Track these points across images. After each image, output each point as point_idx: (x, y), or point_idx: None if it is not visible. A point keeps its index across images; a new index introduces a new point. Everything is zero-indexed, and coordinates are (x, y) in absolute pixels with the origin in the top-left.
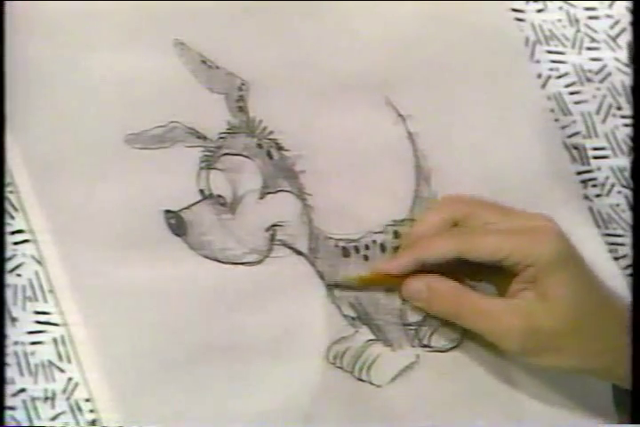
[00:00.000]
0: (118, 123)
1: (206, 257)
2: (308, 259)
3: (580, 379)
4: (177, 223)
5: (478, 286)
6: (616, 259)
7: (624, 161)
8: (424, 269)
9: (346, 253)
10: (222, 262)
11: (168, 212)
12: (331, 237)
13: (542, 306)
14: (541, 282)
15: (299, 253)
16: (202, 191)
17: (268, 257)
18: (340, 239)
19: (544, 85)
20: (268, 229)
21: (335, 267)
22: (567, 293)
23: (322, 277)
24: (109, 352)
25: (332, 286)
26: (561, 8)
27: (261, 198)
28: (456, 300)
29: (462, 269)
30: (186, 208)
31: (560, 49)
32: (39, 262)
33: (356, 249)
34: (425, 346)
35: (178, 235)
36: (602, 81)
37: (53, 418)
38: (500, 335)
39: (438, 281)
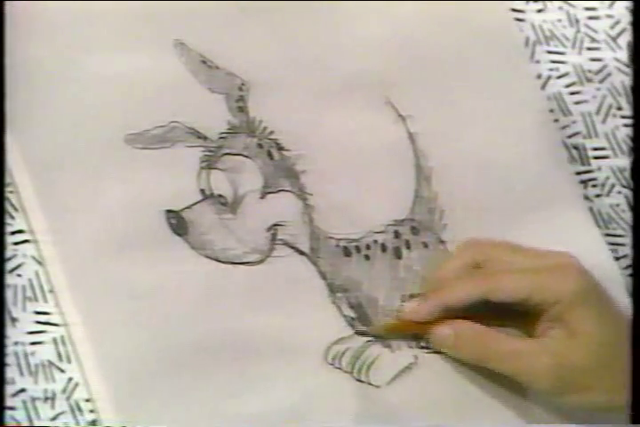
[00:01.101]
0: (118, 123)
1: (207, 257)
2: (309, 259)
3: None
4: (178, 223)
5: (505, 331)
6: (616, 259)
7: (624, 161)
8: (450, 314)
9: (347, 252)
10: (223, 262)
11: (169, 211)
12: (331, 237)
13: (571, 343)
14: (567, 319)
15: (300, 252)
16: (203, 191)
17: (269, 257)
18: (341, 239)
19: (544, 86)
20: (269, 229)
21: (337, 267)
22: (594, 328)
23: (324, 277)
24: (109, 352)
25: (333, 288)
26: (561, 8)
27: (262, 198)
28: (483, 344)
29: (488, 314)
30: (187, 208)
31: (560, 49)
32: (39, 262)
33: (357, 249)
34: (423, 347)
35: (179, 234)
36: (602, 81)
37: (53, 418)
38: (530, 376)
39: (465, 326)
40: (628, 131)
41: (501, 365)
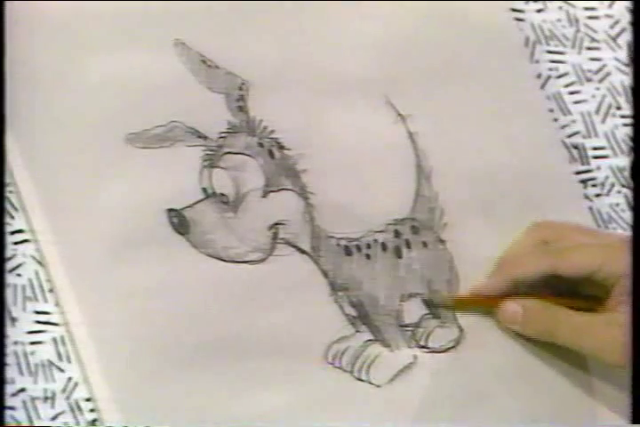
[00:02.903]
0: (118, 123)
1: (209, 256)
2: (310, 257)
3: (579, 381)
4: (179, 222)
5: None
6: None
7: (624, 161)
8: (518, 291)
9: (348, 251)
10: (225, 261)
11: (171, 210)
12: (332, 236)
13: None
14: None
15: (301, 251)
16: (204, 190)
17: (271, 255)
18: (342, 238)
19: (544, 85)
20: (270, 228)
21: (338, 265)
22: None
23: (325, 275)
24: (110, 352)
25: (335, 286)
26: (561, 8)
27: (264, 197)
28: (552, 318)
29: (554, 294)
30: (188, 207)
31: (560, 49)
32: (39, 262)
33: (358, 248)
34: (422, 347)
35: (180, 233)
36: (601, 81)
37: (53, 418)
38: (602, 349)
39: (533, 302)
40: (628, 130)
41: (570, 339)
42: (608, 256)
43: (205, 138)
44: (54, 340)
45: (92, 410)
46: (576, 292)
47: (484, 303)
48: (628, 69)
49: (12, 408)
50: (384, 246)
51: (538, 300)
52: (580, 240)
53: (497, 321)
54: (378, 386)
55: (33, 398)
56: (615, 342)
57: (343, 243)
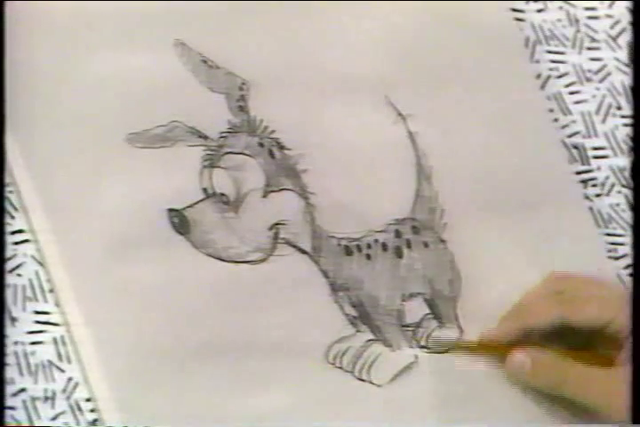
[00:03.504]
0: (119, 122)
1: (210, 256)
2: (311, 257)
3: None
4: (180, 222)
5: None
6: (616, 259)
7: (624, 161)
8: (528, 340)
9: (348, 251)
10: (225, 261)
11: (171, 210)
12: (333, 236)
13: None
14: None
15: (302, 251)
16: (205, 190)
17: (271, 255)
18: (342, 238)
19: (544, 85)
20: (271, 228)
21: (338, 265)
22: None
23: (325, 275)
24: (110, 352)
25: (335, 286)
26: (561, 8)
27: (264, 197)
28: (561, 372)
29: (567, 345)
30: (189, 207)
31: (560, 49)
32: (39, 262)
33: (359, 248)
34: (423, 347)
35: (181, 233)
36: (602, 81)
37: (53, 418)
38: (609, 406)
39: (541, 353)
40: (628, 130)
41: (577, 392)
42: (621, 310)
43: (206, 138)
44: (54, 340)
45: (92, 410)
46: (587, 346)
47: (493, 350)
48: (628, 69)
49: (12, 408)
50: (385, 246)
51: (547, 351)
52: (595, 292)
53: (504, 370)
54: (379, 386)
55: (33, 399)
56: (624, 400)
57: (344, 243)
